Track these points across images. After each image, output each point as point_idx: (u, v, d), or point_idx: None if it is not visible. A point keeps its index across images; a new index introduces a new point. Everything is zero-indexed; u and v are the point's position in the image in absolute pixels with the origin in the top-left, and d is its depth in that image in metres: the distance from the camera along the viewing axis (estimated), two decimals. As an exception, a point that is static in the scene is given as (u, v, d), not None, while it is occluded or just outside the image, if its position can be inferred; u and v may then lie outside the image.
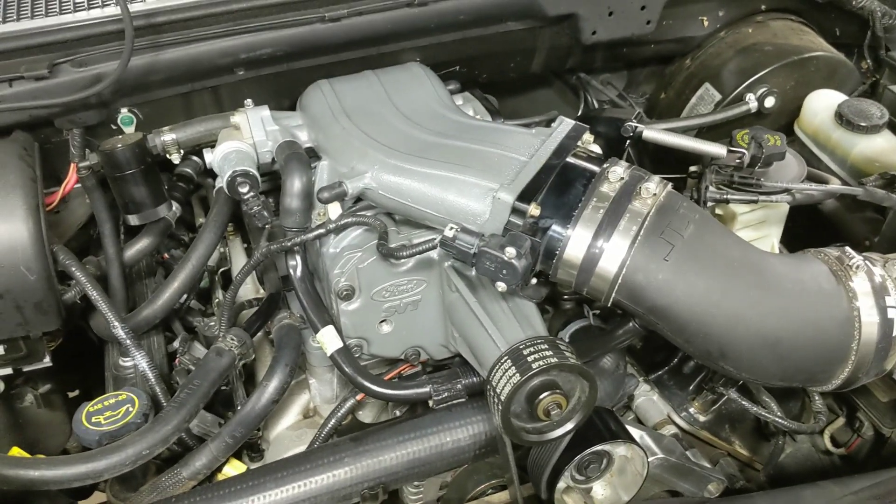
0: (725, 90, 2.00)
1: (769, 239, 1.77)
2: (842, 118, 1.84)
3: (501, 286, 1.25)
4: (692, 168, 1.72)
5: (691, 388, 1.80)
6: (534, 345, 1.27)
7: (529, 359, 1.24)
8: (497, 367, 1.27)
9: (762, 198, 1.58)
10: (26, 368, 1.66)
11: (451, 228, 1.27)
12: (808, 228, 1.85)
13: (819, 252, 1.36)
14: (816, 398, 1.74)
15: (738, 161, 1.57)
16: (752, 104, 1.94)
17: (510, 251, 1.22)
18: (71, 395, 2.03)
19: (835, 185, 1.67)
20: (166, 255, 1.98)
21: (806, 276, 1.31)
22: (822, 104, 1.93)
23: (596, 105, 2.18)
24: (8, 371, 1.64)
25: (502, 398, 1.24)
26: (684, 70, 2.12)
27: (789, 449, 1.91)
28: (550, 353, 1.25)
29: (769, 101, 1.94)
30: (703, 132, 1.99)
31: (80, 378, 2.02)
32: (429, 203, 1.36)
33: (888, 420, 1.79)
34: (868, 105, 1.86)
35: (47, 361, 1.66)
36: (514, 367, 1.24)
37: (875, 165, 1.79)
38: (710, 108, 2.02)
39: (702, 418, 1.80)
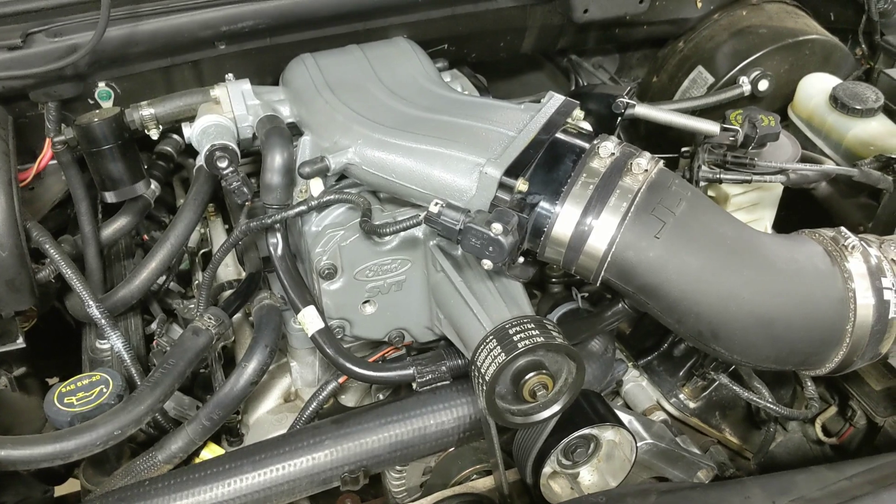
0: (719, 73, 1.97)
1: (762, 222, 1.74)
2: (836, 101, 1.81)
3: (487, 264, 1.21)
4: (684, 148, 1.68)
5: (681, 373, 1.77)
6: (520, 324, 1.23)
7: (515, 338, 1.21)
8: (482, 346, 1.23)
9: (756, 178, 1.55)
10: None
11: (437, 204, 1.23)
12: (801, 214, 1.82)
13: (814, 232, 1.33)
14: (809, 384, 1.71)
15: (731, 139, 1.53)
16: (746, 87, 1.91)
17: (496, 227, 1.18)
18: (50, 381, 1.99)
19: (830, 166, 1.64)
20: (146, 237, 1.94)
21: (801, 256, 1.27)
22: (816, 88, 1.90)
23: (587, 88, 2.14)
24: (-22, 352, 1.59)
25: (487, 378, 1.20)
26: (677, 53, 2.09)
27: (780, 438, 1.89)
28: (537, 332, 1.21)
29: (763, 85, 1.91)
30: (697, 116, 1.94)
31: (59, 363, 1.98)
32: (414, 179, 1.32)
33: (881, 409, 1.76)
34: (863, 88, 1.83)
35: (20, 342, 1.61)
36: (499, 347, 1.21)
37: (870, 149, 1.75)
38: (703, 92, 1.99)
39: (692, 405, 1.77)
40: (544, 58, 2.24)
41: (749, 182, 1.55)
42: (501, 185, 1.23)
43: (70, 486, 1.84)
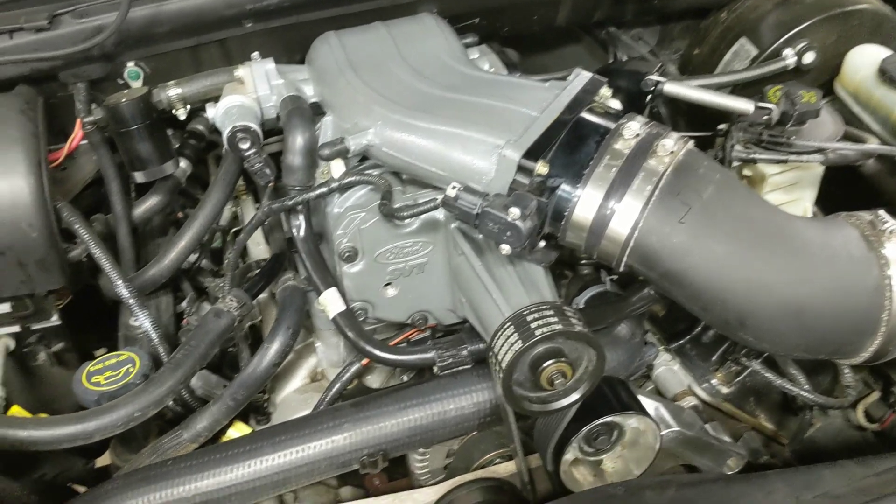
0: (762, 45, 1.88)
1: (802, 202, 1.67)
2: (885, 75, 1.71)
3: (506, 249, 1.18)
4: (720, 126, 1.62)
5: (714, 358, 1.72)
6: (538, 311, 1.20)
7: (533, 325, 1.18)
8: (499, 333, 1.21)
9: (792, 158, 1.48)
10: (34, 326, 1.66)
11: (454, 187, 1.21)
12: (846, 192, 1.75)
13: (851, 216, 1.27)
14: (846, 371, 1.65)
15: (765, 118, 1.47)
16: (790, 60, 1.82)
17: (514, 212, 1.15)
18: (97, 353, 2.03)
19: (872, 145, 1.56)
20: (181, 214, 1.95)
21: (835, 241, 1.22)
22: (864, 60, 1.80)
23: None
24: (16, 329, 1.63)
25: (503, 366, 1.18)
26: (720, 24, 2.00)
27: (820, 423, 1.83)
28: (555, 319, 1.18)
29: (808, 57, 1.82)
30: (738, 90, 1.87)
31: (103, 337, 2.01)
32: (433, 161, 1.30)
33: (924, 395, 1.70)
34: (915, 61, 1.74)
35: (55, 320, 1.65)
36: (516, 334, 1.18)
37: (920, 125, 1.67)
38: (746, 65, 1.91)
39: (724, 390, 1.72)
40: (581, 31, 2.18)
41: (785, 162, 1.49)
42: (520, 168, 1.20)
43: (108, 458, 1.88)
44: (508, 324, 1.21)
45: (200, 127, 1.78)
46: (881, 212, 1.24)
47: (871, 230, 1.22)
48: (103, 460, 1.96)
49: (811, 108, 1.47)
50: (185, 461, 1.34)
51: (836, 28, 1.84)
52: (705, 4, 2.04)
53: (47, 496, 1.49)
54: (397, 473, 1.71)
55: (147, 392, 1.31)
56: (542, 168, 1.18)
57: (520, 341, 1.17)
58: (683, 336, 1.75)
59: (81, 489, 1.73)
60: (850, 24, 1.84)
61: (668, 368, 1.71)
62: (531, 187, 1.19)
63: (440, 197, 1.23)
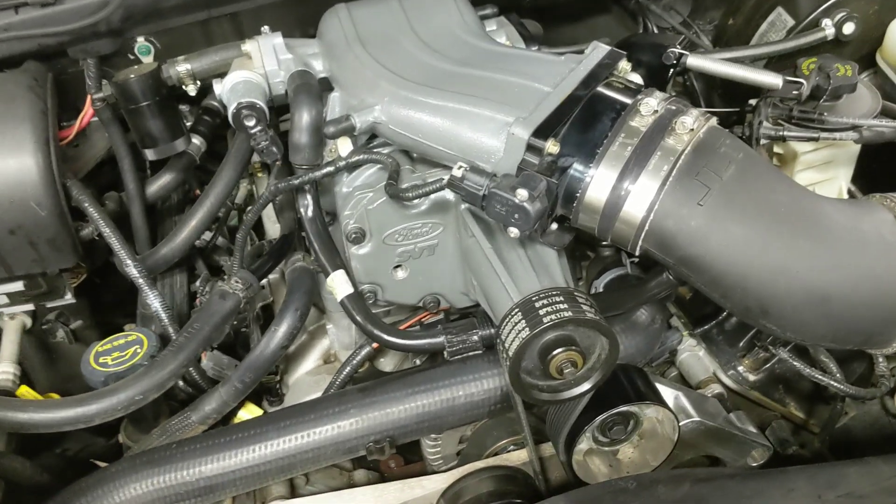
0: (800, 15, 1.78)
1: (836, 181, 1.59)
2: (931, 46, 1.62)
3: (513, 232, 1.14)
4: (751, 101, 1.54)
5: (741, 344, 1.65)
6: (548, 297, 1.15)
7: (542, 312, 1.13)
8: (507, 319, 1.16)
9: (824, 135, 1.40)
10: (49, 305, 1.65)
11: (460, 167, 1.16)
12: (889, 170, 1.65)
13: (885, 197, 1.20)
14: (880, 360, 1.57)
15: (795, 93, 1.39)
16: (829, 31, 1.71)
17: (522, 193, 1.10)
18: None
19: (911, 122, 1.47)
20: (197, 192, 1.93)
21: (866, 224, 1.15)
22: (909, 31, 1.70)
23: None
24: (30, 307, 1.62)
25: (511, 353, 1.13)
26: (756, -8, 1.91)
27: (854, 412, 1.75)
28: (565, 306, 1.13)
29: (848, 28, 1.71)
30: (775, 63, 1.78)
31: (127, 313, 2.01)
32: (441, 139, 1.24)
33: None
34: (963, 31, 1.63)
35: (69, 298, 1.64)
36: (524, 321, 1.14)
37: (966, 100, 1.57)
38: (782, 36, 1.81)
39: (752, 377, 1.65)
40: (610, 0, 2.09)
41: (816, 140, 1.41)
42: (530, 147, 1.14)
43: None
44: (517, 310, 1.16)
45: (215, 103, 1.75)
46: (916, 193, 1.16)
47: (906, 213, 1.14)
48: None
49: (847, 83, 1.39)
50: (190, 444, 1.33)
51: (879, -4, 1.74)
52: (741, -29, 1.94)
53: (69, 473, 1.48)
54: (415, 456, 1.68)
55: (148, 375, 1.29)
56: (552, 147, 1.13)
57: (527, 328, 1.12)
58: (709, 320, 1.68)
59: (103, 465, 1.74)
60: (894, -9, 1.74)
61: (692, 354, 1.65)
62: (541, 167, 1.14)
63: (447, 177, 1.18)
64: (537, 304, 1.14)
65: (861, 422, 1.79)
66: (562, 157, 1.15)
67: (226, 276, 1.68)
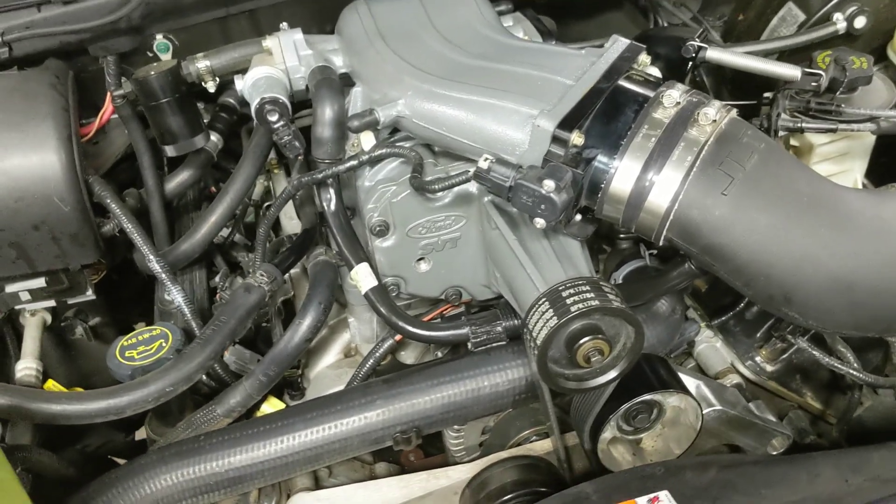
0: (811, 9, 1.79)
1: (851, 174, 1.60)
2: (943, 39, 1.63)
3: (540, 222, 1.15)
4: (767, 94, 1.55)
5: (759, 335, 1.66)
6: (574, 286, 1.16)
7: (569, 301, 1.14)
8: (534, 309, 1.17)
9: (842, 126, 1.41)
10: (70, 301, 1.66)
11: (486, 159, 1.17)
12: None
13: (905, 187, 1.21)
14: (898, 349, 1.58)
15: (813, 85, 1.40)
16: (840, 25, 1.73)
17: (548, 184, 1.11)
18: (137, 327, 2.03)
19: (927, 113, 1.49)
20: (213, 189, 1.94)
21: (887, 213, 1.16)
22: (921, 24, 1.72)
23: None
24: (51, 303, 1.64)
25: (538, 343, 1.14)
26: (766, -13, 1.92)
27: (869, 402, 1.76)
28: (592, 295, 1.14)
29: (860, 21, 1.73)
30: (785, 57, 1.79)
31: (144, 311, 2.02)
32: (465, 132, 1.26)
33: (982, 373, 1.63)
34: (975, 23, 1.65)
35: (90, 294, 1.66)
36: (551, 310, 1.15)
37: (979, 92, 1.58)
38: (793, 31, 1.83)
39: (769, 368, 1.66)
40: (621, -4, 2.11)
41: (834, 131, 1.42)
42: (555, 139, 1.15)
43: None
44: (543, 299, 1.17)
45: (231, 100, 1.76)
46: (937, 182, 1.18)
47: (925, 202, 1.16)
48: (140, 434, 1.99)
49: (863, 75, 1.40)
50: (218, 436, 1.34)
51: (891, -11, 1.75)
52: (751, -33, 1.95)
53: (88, 468, 1.49)
54: (434, 449, 1.69)
55: (177, 368, 1.31)
56: (577, 138, 1.14)
57: (555, 317, 1.13)
58: (727, 312, 1.69)
59: (121, 461, 1.74)
60: (905, -15, 1.76)
61: (710, 345, 1.66)
62: (566, 159, 1.15)
63: (472, 169, 1.19)
64: (564, 294, 1.16)
65: (875, 413, 1.79)
66: (586, 149, 1.16)
67: (246, 272, 1.71)
